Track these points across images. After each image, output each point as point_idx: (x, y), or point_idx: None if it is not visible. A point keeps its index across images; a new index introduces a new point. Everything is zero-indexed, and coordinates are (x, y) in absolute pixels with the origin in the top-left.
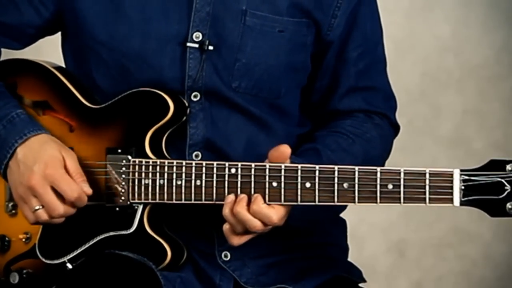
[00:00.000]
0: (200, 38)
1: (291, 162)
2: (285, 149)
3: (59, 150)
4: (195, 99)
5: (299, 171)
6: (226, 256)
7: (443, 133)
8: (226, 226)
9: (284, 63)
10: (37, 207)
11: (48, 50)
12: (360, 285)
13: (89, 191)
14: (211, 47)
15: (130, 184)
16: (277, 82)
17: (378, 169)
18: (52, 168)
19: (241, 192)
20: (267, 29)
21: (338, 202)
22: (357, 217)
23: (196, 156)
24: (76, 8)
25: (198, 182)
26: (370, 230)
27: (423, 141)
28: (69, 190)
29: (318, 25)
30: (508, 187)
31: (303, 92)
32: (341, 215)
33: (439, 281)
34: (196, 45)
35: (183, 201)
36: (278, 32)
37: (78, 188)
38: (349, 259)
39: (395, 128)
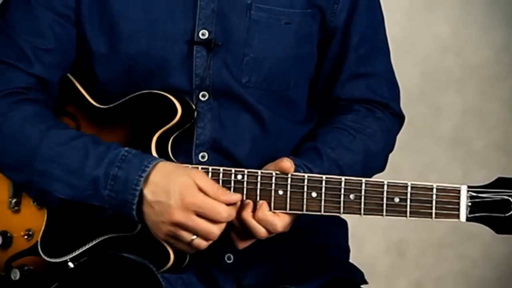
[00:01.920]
0: (207, 35)
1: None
2: (285, 166)
3: (187, 174)
4: (203, 99)
5: (306, 180)
6: (229, 258)
7: (443, 133)
8: (231, 230)
9: (292, 55)
10: (192, 238)
11: None
12: (361, 286)
13: (237, 198)
14: (218, 44)
15: None
16: (286, 74)
17: (385, 181)
18: (189, 196)
19: (247, 199)
20: (273, 22)
21: (343, 213)
22: (357, 217)
23: (203, 157)
24: (81, 14)
25: None
26: (370, 230)
27: (423, 141)
28: (216, 214)
29: (322, 12)
30: None
31: (310, 82)
32: (341, 215)
33: (439, 281)
34: (203, 43)
35: None
36: (284, 24)
37: (223, 207)
38: (349, 260)
39: (400, 118)
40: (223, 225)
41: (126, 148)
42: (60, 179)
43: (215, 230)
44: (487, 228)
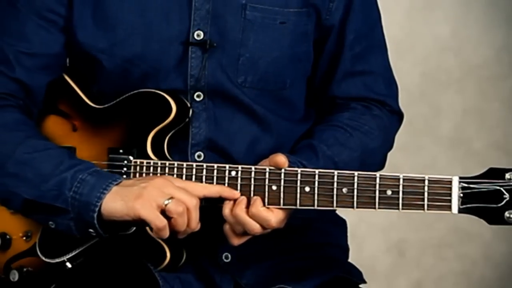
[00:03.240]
0: (202, 36)
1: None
2: (280, 161)
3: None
4: (198, 99)
5: (299, 175)
6: (226, 257)
7: (443, 133)
8: (226, 226)
9: (288, 54)
10: (167, 201)
11: None
12: (360, 286)
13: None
14: (213, 45)
15: None
16: (282, 73)
17: (378, 174)
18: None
19: (241, 195)
20: (268, 22)
21: (337, 206)
22: (357, 217)
23: (199, 156)
24: (73, 19)
25: None
26: (370, 230)
27: (423, 141)
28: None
29: (318, 11)
30: (506, 195)
31: (307, 81)
32: (341, 215)
33: (439, 281)
34: (198, 44)
35: None
36: (279, 24)
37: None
38: (349, 259)
39: (398, 116)
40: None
41: (99, 167)
42: (29, 181)
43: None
44: (487, 228)
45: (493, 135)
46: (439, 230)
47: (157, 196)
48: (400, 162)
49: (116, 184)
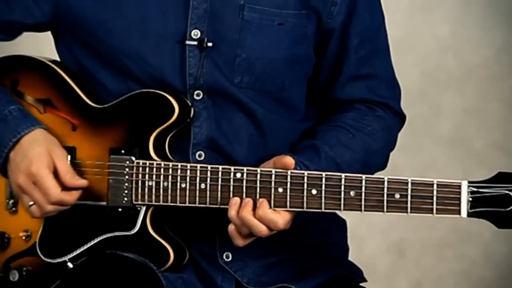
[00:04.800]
0: (199, 35)
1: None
2: (288, 162)
3: (46, 148)
4: (198, 98)
5: (306, 178)
6: (227, 256)
7: (443, 133)
8: (231, 227)
9: (286, 56)
10: (30, 203)
11: (48, 46)
12: (360, 284)
13: (82, 183)
14: (210, 44)
15: (134, 185)
16: (279, 75)
17: (386, 178)
18: (35, 166)
19: (246, 197)
20: (266, 23)
21: (344, 209)
22: (357, 217)
23: (199, 156)
24: (72, 6)
25: (203, 186)
26: (370, 230)
27: (423, 141)
28: (45, 190)
29: (318, 14)
30: None
31: (309, 82)
32: (341, 215)
33: (439, 281)
34: (195, 43)
35: (187, 204)
36: (277, 25)
37: (55, 190)
38: (349, 259)
39: (401, 117)
40: (58, 208)
41: (12, 107)
42: None
43: (48, 207)
44: (486, 228)
45: (493, 135)
46: (439, 230)
47: (21, 198)
48: (400, 162)
49: (12, 149)
